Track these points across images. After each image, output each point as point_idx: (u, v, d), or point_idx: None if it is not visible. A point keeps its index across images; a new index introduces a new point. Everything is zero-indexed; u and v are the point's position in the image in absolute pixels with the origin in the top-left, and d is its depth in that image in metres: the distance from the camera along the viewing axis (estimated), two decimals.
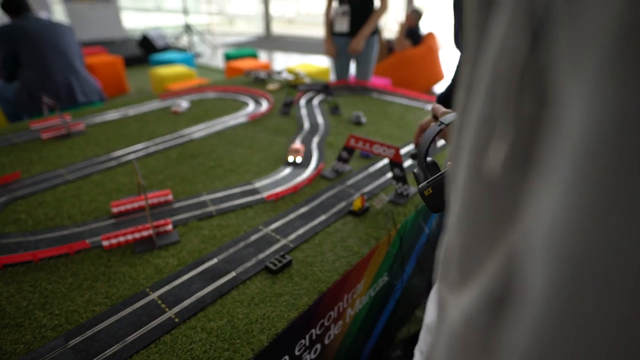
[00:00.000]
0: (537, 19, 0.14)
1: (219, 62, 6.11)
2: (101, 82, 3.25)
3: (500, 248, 0.17)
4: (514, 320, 0.16)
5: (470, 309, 0.19)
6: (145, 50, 5.72)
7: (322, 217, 1.00)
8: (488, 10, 0.17)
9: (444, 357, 0.23)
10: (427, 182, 0.52)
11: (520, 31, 0.14)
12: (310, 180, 1.18)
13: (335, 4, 2.30)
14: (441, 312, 0.25)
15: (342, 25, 2.28)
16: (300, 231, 0.95)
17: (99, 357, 0.62)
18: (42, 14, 2.63)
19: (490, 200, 0.18)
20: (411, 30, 3.99)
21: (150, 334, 0.66)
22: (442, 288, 0.25)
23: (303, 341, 0.77)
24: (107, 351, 0.63)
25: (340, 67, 2.46)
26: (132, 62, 5.42)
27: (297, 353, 0.76)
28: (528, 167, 0.15)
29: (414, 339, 1.30)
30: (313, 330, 0.79)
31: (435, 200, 0.51)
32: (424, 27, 4.09)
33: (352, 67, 2.50)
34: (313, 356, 0.83)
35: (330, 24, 2.36)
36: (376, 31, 2.34)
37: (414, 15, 3.96)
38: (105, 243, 0.86)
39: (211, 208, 1.03)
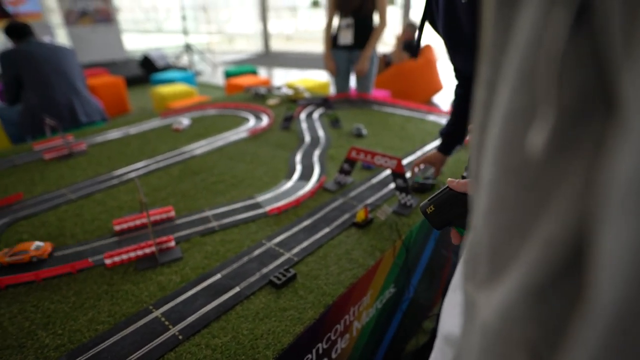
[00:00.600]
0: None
1: (219, 79, 6.19)
2: (103, 102, 3.28)
3: (535, 237, 0.17)
4: (578, 314, 0.15)
5: (508, 303, 0.19)
6: (147, 70, 5.80)
7: (326, 230, 1.00)
8: (512, 7, 0.17)
9: (479, 355, 0.22)
10: (429, 200, 0.53)
11: (560, 17, 0.14)
12: (313, 193, 1.18)
13: (336, 19, 2.33)
14: (469, 313, 0.25)
15: (347, 38, 2.31)
16: (304, 244, 0.94)
17: None
18: (46, 38, 2.69)
19: (523, 191, 0.18)
20: (409, 43, 4.05)
21: (154, 352, 0.65)
22: (469, 288, 0.24)
23: (310, 356, 0.75)
24: None
25: (341, 81, 2.49)
26: (133, 82, 5.50)
27: None
28: (574, 147, 0.15)
29: (422, 351, 1.27)
30: (320, 345, 0.78)
31: (438, 217, 0.51)
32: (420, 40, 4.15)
33: (353, 80, 2.53)
34: None
35: (330, 39, 2.40)
36: (369, 41, 2.37)
37: (410, 29, 4.03)
38: (107, 261, 0.86)
39: (214, 223, 1.03)
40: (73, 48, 2.45)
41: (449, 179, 0.51)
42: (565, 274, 0.16)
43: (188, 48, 6.84)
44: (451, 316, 0.37)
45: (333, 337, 0.82)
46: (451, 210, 0.50)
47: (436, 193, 0.52)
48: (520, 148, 0.18)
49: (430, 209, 0.51)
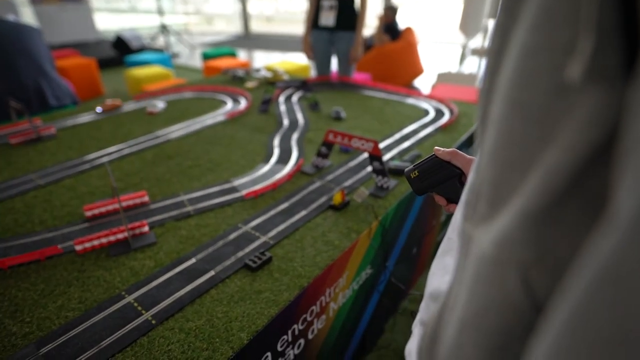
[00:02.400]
0: None
1: (197, 62, 6.02)
2: (74, 85, 3.15)
3: (538, 168, 0.18)
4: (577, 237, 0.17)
5: (504, 230, 0.20)
6: (120, 51, 5.58)
7: (303, 213, 1.00)
8: None
9: (470, 284, 0.23)
10: (414, 166, 0.55)
11: None
12: (290, 177, 1.17)
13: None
14: (464, 250, 0.26)
15: (329, 19, 2.27)
16: (281, 227, 0.94)
17: None
18: (9, 17, 2.53)
19: (531, 124, 0.19)
20: (389, 26, 4.02)
21: (126, 337, 0.64)
22: (467, 227, 0.26)
23: (285, 337, 0.76)
24: (81, 356, 0.61)
25: (322, 63, 2.46)
26: (106, 64, 5.28)
27: (279, 349, 0.75)
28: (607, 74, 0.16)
29: None
30: (295, 326, 0.79)
31: (421, 182, 0.54)
32: (401, 22, 4.12)
33: (334, 63, 2.50)
34: (297, 351, 0.82)
35: (311, 22, 2.35)
36: (355, 27, 2.34)
37: (389, 12, 3.99)
38: (78, 247, 0.84)
39: (189, 208, 1.02)
40: (40, 27, 2.33)
41: (435, 147, 0.53)
42: (563, 200, 0.18)
43: (164, 29, 6.60)
44: (437, 277, 0.39)
45: (309, 318, 0.83)
46: (434, 176, 0.53)
47: (421, 160, 0.54)
48: (534, 82, 0.19)
49: (414, 174, 0.54)
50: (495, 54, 0.23)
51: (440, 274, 0.40)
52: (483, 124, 0.24)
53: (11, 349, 0.62)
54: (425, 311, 0.38)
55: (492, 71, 0.23)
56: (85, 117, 1.70)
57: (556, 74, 0.18)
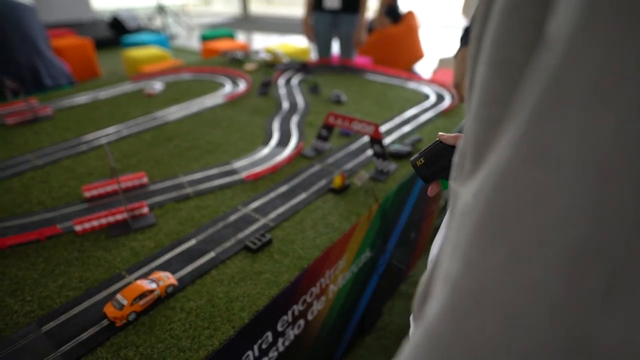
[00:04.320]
0: None
1: (195, 43, 5.92)
2: (70, 65, 3.10)
3: (511, 123, 0.19)
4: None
5: (479, 180, 0.21)
6: (117, 32, 5.47)
7: (303, 196, 1.00)
8: None
9: (455, 235, 0.24)
10: (419, 154, 0.55)
11: None
12: (290, 160, 1.16)
13: None
14: (452, 208, 0.27)
15: (334, 1, 2.22)
16: (281, 210, 0.94)
17: (74, 340, 0.60)
18: None
19: (508, 82, 0.20)
20: (390, 9, 3.94)
21: None
22: (454, 186, 0.27)
23: (285, 317, 0.77)
24: (83, 334, 0.61)
25: (323, 46, 2.42)
26: (102, 44, 5.19)
27: (279, 329, 0.76)
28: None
29: None
30: (295, 307, 0.79)
31: (427, 169, 0.53)
32: (403, 6, 4.05)
33: (335, 46, 2.46)
34: (297, 332, 0.83)
35: (312, 3, 2.30)
36: (359, 10, 2.29)
37: None
38: (77, 227, 0.84)
39: (188, 190, 1.01)
40: (34, 5, 2.27)
41: (440, 132, 0.53)
42: None
43: (161, 9, 6.47)
44: (435, 245, 0.40)
45: (309, 300, 0.84)
46: (439, 162, 0.52)
47: (426, 147, 0.54)
48: (513, 39, 0.19)
49: (420, 161, 0.54)
50: (481, 19, 0.23)
51: (438, 243, 0.40)
52: (471, 88, 0.25)
53: (13, 326, 0.63)
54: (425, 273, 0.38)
55: (479, 35, 0.24)
56: (82, 98, 1.67)
57: (534, 29, 0.18)
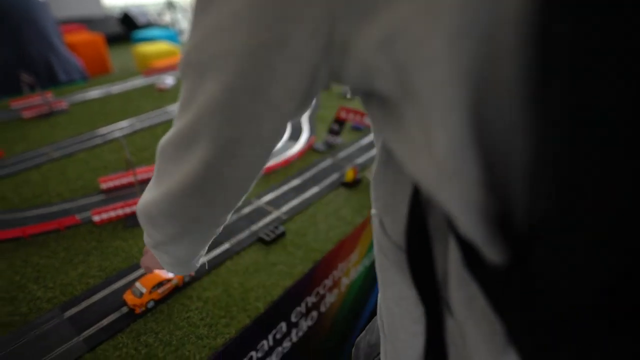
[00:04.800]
0: None
1: None
2: (83, 60, 3.13)
3: None
4: None
5: None
6: (127, 27, 5.51)
7: (315, 189, 1.00)
8: None
9: None
10: None
11: None
12: (302, 154, 1.17)
13: None
14: None
15: None
16: (293, 203, 0.95)
17: (95, 326, 0.62)
18: None
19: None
20: None
21: None
22: None
23: (299, 308, 0.78)
24: (103, 320, 0.63)
25: None
26: (113, 40, 5.23)
27: (293, 320, 0.77)
28: None
29: None
30: (308, 298, 0.80)
31: None
32: None
33: None
34: (310, 323, 0.84)
35: None
36: None
37: None
38: (96, 218, 0.85)
39: None
40: (47, 0, 2.30)
41: None
42: None
43: (170, 5, 6.50)
44: None
45: (322, 292, 0.85)
46: None
47: None
48: None
49: None
50: None
51: None
52: None
53: (37, 311, 0.65)
54: None
55: None
56: (95, 92, 1.70)
57: None
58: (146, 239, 0.40)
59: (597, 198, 0.15)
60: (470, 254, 0.25)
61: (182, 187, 0.30)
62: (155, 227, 0.36)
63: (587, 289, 0.17)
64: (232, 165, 0.29)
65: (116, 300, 0.67)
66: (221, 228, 0.41)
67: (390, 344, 0.41)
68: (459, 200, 0.21)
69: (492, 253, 0.23)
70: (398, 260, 0.34)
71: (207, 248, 0.46)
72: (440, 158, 0.20)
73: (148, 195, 0.35)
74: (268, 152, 0.30)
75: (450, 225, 0.25)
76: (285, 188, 1.01)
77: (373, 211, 0.38)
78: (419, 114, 0.21)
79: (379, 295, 0.41)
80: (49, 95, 1.60)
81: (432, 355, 0.33)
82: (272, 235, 0.82)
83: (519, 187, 0.20)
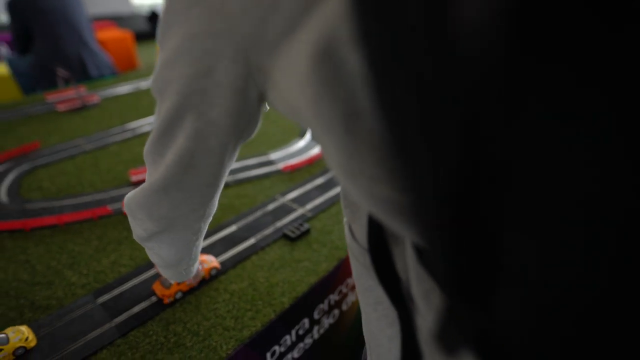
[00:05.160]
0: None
1: None
2: (112, 57, 3.23)
3: None
4: None
5: None
6: (154, 26, 5.65)
7: (339, 189, 1.01)
8: None
9: None
10: None
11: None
12: None
13: None
14: None
15: None
16: (318, 201, 0.96)
17: (126, 313, 0.64)
18: None
19: None
20: None
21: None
22: None
23: (322, 305, 0.78)
24: (134, 308, 0.65)
25: None
26: (140, 37, 5.37)
27: (316, 317, 0.78)
28: None
29: None
30: (331, 296, 0.81)
31: None
32: None
33: None
34: (331, 321, 0.85)
35: None
36: None
37: None
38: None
39: (228, 178, 1.04)
40: None
41: None
42: None
43: None
44: None
45: (344, 290, 0.85)
46: None
47: None
48: None
49: None
50: None
51: None
52: None
53: (72, 297, 0.67)
54: None
55: None
56: (124, 88, 1.75)
57: None
58: (134, 234, 0.46)
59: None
60: (421, 253, 0.28)
61: (153, 186, 0.37)
62: (135, 220, 0.43)
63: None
64: (190, 173, 0.35)
65: (146, 289, 0.69)
66: (200, 237, 0.48)
67: (374, 352, 0.43)
68: (368, 199, 0.25)
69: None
70: (368, 264, 0.38)
71: (193, 256, 0.51)
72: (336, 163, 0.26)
73: (132, 192, 0.42)
74: (221, 164, 0.35)
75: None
76: (309, 186, 1.02)
77: (344, 219, 0.43)
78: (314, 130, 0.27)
79: (360, 305, 0.44)
80: (83, 90, 1.65)
81: (409, 356, 0.35)
82: (297, 232, 0.83)
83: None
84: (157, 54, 0.35)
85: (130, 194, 0.42)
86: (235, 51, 0.26)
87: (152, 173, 0.37)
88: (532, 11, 0.11)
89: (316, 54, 0.21)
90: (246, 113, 0.31)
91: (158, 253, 0.47)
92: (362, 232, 0.38)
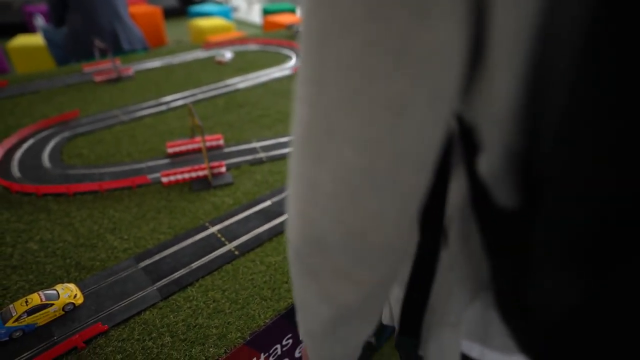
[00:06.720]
0: None
1: (255, 17, 5.98)
2: (141, 31, 3.26)
3: None
4: None
5: None
6: (183, 2, 5.65)
7: None
8: None
9: None
10: None
11: None
12: None
13: None
14: None
15: None
16: None
17: (167, 278, 0.66)
18: None
19: None
20: None
21: (213, 263, 0.69)
22: None
23: None
24: (174, 274, 0.67)
25: None
26: (169, 14, 5.39)
27: None
28: None
29: None
30: None
31: None
32: None
33: None
34: None
35: None
36: None
37: None
38: (164, 179, 0.90)
39: (262, 154, 1.05)
40: None
41: None
42: None
43: None
44: None
45: None
46: None
47: None
48: None
49: None
50: None
51: None
52: None
53: (114, 259, 0.70)
54: None
55: None
56: (156, 62, 1.76)
57: None
58: (301, 328, 0.33)
59: (623, 152, 0.16)
60: (479, 194, 0.26)
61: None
62: (324, 257, 0.25)
63: (589, 236, 0.19)
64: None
65: (185, 256, 0.71)
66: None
67: None
68: (497, 134, 0.22)
69: (502, 196, 0.24)
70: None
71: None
72: (497, 95, 0.21)
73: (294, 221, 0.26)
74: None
75: (469, 164, 0.26)
76: None
77: None
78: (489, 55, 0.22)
79: None
80: (118, 62, 1.68)
81: (419, 278, 0.34)
82: None
83: (550, 133, 0.20)
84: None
85: (296, 224, 0.26)
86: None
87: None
88: None
89: None
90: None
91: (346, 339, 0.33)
92: None
